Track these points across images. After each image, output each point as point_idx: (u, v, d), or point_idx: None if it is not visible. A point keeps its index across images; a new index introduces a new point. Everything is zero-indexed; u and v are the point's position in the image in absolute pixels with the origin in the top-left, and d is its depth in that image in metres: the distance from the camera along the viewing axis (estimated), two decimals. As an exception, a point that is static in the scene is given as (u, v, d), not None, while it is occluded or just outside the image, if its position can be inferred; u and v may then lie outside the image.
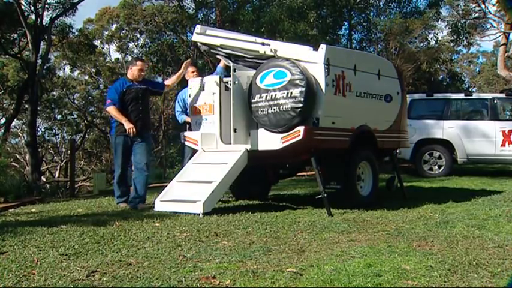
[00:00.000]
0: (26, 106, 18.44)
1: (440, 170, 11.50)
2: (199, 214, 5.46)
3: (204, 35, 6.80)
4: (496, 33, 19.30)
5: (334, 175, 6.28)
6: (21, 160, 26.95)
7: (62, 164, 27.38)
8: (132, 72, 6.57)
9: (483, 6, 18.99)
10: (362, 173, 6.54)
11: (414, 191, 8.06)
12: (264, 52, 6.22)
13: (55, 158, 30.51)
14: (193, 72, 7.20)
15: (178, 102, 7.38)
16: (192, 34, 7.06)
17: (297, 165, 7.30)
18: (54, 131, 31.03)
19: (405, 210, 5.96)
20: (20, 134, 28.63)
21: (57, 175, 26.76)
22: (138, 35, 26.36)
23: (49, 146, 30.70)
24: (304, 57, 5.98)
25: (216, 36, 6.77)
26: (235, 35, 6.81)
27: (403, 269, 3.28)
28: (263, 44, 6.27)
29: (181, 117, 7.32)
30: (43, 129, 29.91)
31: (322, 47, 5.91)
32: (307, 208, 6.15)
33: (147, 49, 23.76)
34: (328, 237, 4.40)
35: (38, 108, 21.20)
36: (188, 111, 7.04)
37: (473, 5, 19.71)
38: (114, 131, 6.53)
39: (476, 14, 20.00)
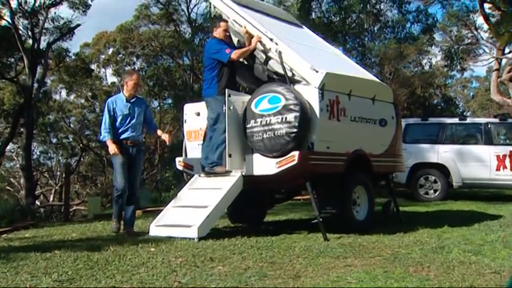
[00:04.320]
0: (22, 130, 18.46)
1: (436, 194, 11.48)
2: (194, 239, 5.43)
3: (221, 1, 6.68)
4: (488, 59, 19.59)
5: (329, 199, 6.25)
6: (16, 184, 26.84)
7: (57, 187, 27.26)
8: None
9: (475, 32, 19.33)
10: (358, 197, 6.52)
11: (410, 216, 8.03)
12: (270, 48, 6.21)
13: (50, 181, 30.37)
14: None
15: (109, 111, 6.13)
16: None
17: (292, 190, 7.29)
18: (49, 154, 30.99)
19: (401, 235, 5.94)
20: (15, 158, 28.55)
21: (51, 199, 26.61)
22: (135, 59, 26.59)
23: (44, 170, 30.60)
24: (303, 73, 5.97)
25: (232, 9, 6.58)
26: (251, 19, 6.48)
27: (400, 295, 3.26)
28: (271, 40, 6.22)
29: (105, 136, 6.08)
30: (38, 153, 29.91)
31: (322, 72, 5.87)
32: (303, 232, 6.12)
33: (144, 73, 23.93)
34: (324, 262, 4.37)
35: (34, 131, 21.21)
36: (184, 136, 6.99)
37: (466, 31, 20.07)
38: (216, 91, 6.12)
39: (469, 40, 20.34)
